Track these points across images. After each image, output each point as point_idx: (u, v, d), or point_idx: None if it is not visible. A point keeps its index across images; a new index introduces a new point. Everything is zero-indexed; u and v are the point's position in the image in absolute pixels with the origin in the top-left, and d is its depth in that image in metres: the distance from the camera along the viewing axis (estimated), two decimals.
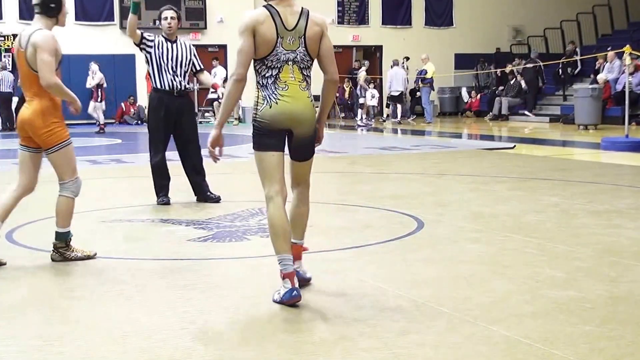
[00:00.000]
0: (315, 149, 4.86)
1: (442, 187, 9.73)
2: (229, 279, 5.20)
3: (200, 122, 20.50)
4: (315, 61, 4.83)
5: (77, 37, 24.82)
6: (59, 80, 5.69)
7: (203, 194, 8.41)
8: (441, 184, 10.05)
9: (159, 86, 8.26)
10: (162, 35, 8.30)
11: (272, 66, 4.59)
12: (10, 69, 23.52)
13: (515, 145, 15.00)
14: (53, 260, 5.82)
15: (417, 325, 4.11)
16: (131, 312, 4.47)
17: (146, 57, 8.30)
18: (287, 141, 4.71)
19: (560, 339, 3.83)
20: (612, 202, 8.04)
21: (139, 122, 25.11)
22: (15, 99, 23.25)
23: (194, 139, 8.43)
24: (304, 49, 4.65)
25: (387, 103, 25.10)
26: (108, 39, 25.13)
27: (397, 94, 24.01)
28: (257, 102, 4.62)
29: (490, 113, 24.59)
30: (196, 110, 22.57)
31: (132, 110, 25.48)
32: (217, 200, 8.35)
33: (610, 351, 3.68)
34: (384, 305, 4.52)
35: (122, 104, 25.32)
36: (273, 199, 4.59)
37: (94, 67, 21.58)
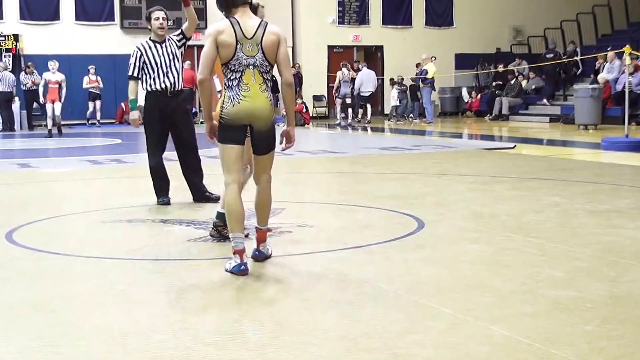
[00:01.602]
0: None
1: (442, 187, 9.73)
2: (229, 279, 5.20)
3: (202, 122, 20.53)
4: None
5: (78, 37, 24.85)
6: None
7: (201, 194, 8.41)
8: (441, 184, 10.05)
9: (152, 88, 8.25)
10: (150, 39, 8.26)
11: (235, 70, 5.29)
12: (11, 69, 23.49)
13: (515, 145, 15.00)
14: (211, 236, 6.32)
15: (417, 325, 4.11)
16: (131, 312, 4.47)
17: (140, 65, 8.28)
18: (250, 136, 5.40)
19: (561, 339, 3.83)
20: (612, 202, 8.04)
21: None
22: (16, 99, 23.27)
23: (190, 140, 8.44)
24: (262, 54, 5.32)
25: (360, 104, 25.35)
26: (108, 39, 25.13)
27: (367, 94, 24.67)
28: (224, 101, 5.34)
29: (488, 115, 24.61)
30: (198, 110, 22.58)
31: None
32: (216, 199, 8.35)
33: (611, 351, 3.68)
34: (384, 305, 4.51)
35: (122, 104, 25.29)
36: (229, 185, 5.35)
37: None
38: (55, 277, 5.41)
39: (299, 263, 5.72)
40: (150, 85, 8.26)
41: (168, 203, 8.25)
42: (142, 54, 8.23)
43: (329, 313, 4.37)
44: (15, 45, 24.25)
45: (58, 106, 20.12)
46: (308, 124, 23.94)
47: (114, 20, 25.37)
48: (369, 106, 24.99)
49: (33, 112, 23.25)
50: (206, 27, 25.49)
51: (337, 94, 24.56)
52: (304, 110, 24.25)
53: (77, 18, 25.13)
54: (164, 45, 8.27)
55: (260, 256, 5.61)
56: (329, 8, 27.26)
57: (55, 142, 18.17)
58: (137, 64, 8.24)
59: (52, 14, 24.93)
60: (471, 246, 6.05)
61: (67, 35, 24.84)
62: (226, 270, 5.28)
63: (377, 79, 26.93)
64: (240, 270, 5.20)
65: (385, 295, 4.73)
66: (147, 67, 8.22)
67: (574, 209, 7.69)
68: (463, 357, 3.65)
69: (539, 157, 13.12)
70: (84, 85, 24.22)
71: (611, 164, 12.06)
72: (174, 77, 8.25)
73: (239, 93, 5.28)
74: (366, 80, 24.46)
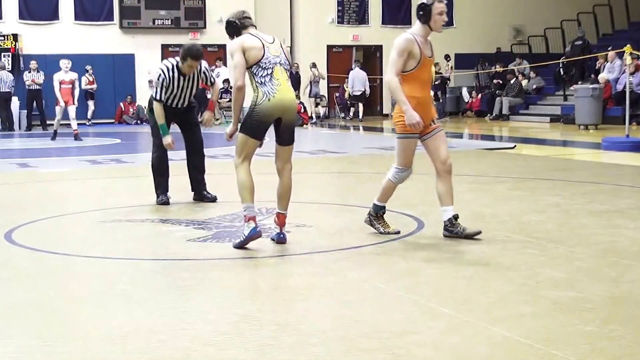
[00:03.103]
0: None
1: None
2: (229, 279, 5.19)
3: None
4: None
5: (77, 36, 24.83)
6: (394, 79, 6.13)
7: (199, 192, 8.42)
8: None
9: (163, 101, 8.23)
10: (178, 66, 8.18)
11: (266, 67, 5.99)
12: (10, 69, 23.47)
13: (515, 145, 14.99)
14: (365, 222, 6.56)
15: (417, 326, 4.10)
16: (130, 312, 4.46)
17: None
18: (275, 130, 6.13)
19: (561, 340, 3.82)
20: (612, 202, 8.03)
21: (138, 121, 25.10)
22: (15, 99, 23.25)
23: (198, 139, 8.47)
24: (284, 55, 6.13)
25: (351, 102, 25.86)
26: (107, 38, 25.12)
27: (359, 93, 25.44)
28: (258, 97, 5.94)
29: (489, 115, 24.60)
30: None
31: (131, 110, 25.45)
32: (213, 199, 8.36)
33: (611, 351, 3.67)
34: (383, 305, 4.51)
35: (121, 104, 25.29)
36: (242, 164, 6.04)
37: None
38: (55, 277, 5.40)
39: (298, 263, 5.72)
40: (162, 99, 8.22)
41: (167, 203, 8.25)
42: (165, 79, 8.14)
43: (328, 313, 4.36)
44: (15, 45, 24.23)
45: (72, 109, 18.07)
46: (306, 124, 23.92)
47: (113, 20, 25.35)
48: (360, 105, 25.54)
49: (33, 112, 23.15)
50: (205, 27, 25.60)
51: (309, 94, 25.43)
52: (303, 110, 24.24)
53: (76, 18, 25.11)
54: (187, 77, 8.25)
55: (284, 239, 6.14)
56: (328, 8, 27.24)
57: (54, 142, 18.15)
58: (163, 89, 8.17)
59: (51, 14, 24.91)
60: (471, 246, 6.04)
61: (66, 35, 24.82)
62: (238, 245, 5.95)
63: (377, 78, 26.99)
64: (256, 232, 5.89)
65: (385, 295, 4.73)
66: (163, 86, 8.16)
67: (574, 209, 7.68)
68: (463, 358, 3.64)
69: (540, 157, 13.11)
70: (83, 86, 24.23)
71: (612, 164, 12.05)
72: (187, 99, 8.35)
73: (272, 88, 5.93)
74: (357, 80, 25.20)
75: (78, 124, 18.62)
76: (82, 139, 18.27)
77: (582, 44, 23.71)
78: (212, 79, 8.46)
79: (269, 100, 5.91)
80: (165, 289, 4.96)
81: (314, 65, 25.61)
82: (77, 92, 18.66)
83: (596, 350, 3.68)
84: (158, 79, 8.15)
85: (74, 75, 18.35)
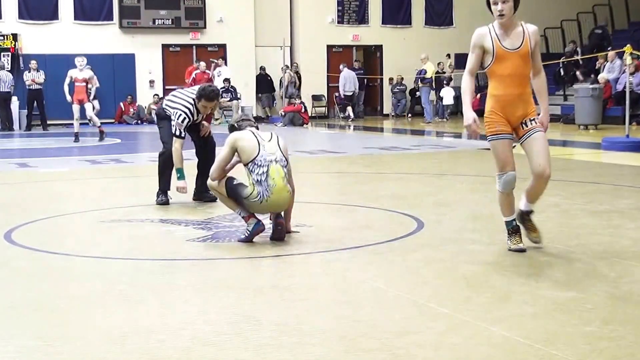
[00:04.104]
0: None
1: (442, 187, 9.72)
2: (228, 280, 5.19)
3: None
4: None
5: (76, 36, 24.82)
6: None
7: (200, 192, 8.41)
8: (441, 184, 10.04)
9: (184, 137, 8.29)
10: (197, 109, 8.17)
11: (261, 164, 6.16)
12: (9, 69, 23.46)
13: (515, 146, 14.94)
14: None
15: (417, 326, 4.10)
16: (130, 312, 4.46)
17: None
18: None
19: (561, 340, 3.82)
20: (612, 202, 8.03)
21: (138, 121, 25.09)
22: (14, 99, 23.23)
23: (210, 146, 8.51)
24: (280, 153, 6.27)
25: (345, 103, 26.28)
26: (107, 38, 25.11)
27: (350, 93, 25.92)
28: (252, 193, 6.13)
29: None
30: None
31: (131, 110, 25.43)
32: (212, 199, 8.35)
33: (611, 352, 3.67)
34: (383, 305, 4.51)
35: (121, 104, 25.28)
36: (219, 185, 6.37)
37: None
38: (54, 276, 5.40)
39: (298, 263, 5.72)
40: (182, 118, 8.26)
41: (167, 203, 8.25)
42: (187, 120, 8.16)
43: (328, 313, 4.36)
44: (14, 45, 24.23)
45: (88, 107, 17.68)
46: (307, 124, 23.93)
47: (112, 19, 25.33)
48: (349, 106, 26.00)
49: (33, 112, 23.10)
50: (205, 26, 25.60)
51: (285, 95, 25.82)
52: (303, 110, 24.25)
53: (76, 17, 25.09)
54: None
55: (282, 232, 6.33)
56: (328, 7, 27.23)
57: (53, 141, 18.14)
58: (183, 126, 8.15)
59: (51, 14, 24.91)
60: (471, 246, 6.04)
61: (66, 35, 24.82)
62: (244, 240, 6.16)
63: (378, 78, 27.06)
64: (260, 226, 6.17)
65: (385, 295, 4.73)
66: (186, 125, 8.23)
67: (574, 209, 7.68)
68: (462, 358, 3.64)
69: None
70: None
71: (612, 164, 12.05)
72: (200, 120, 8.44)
73: (268, 189, 6.11)
74: (348, 81, 25.62)
75: (71, 124, 18.33)
76: (104, 137, 17.92)
77: (602, 33, 23.78)
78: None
79: (260, 202, 6.12)
80: (165, 289, 4.95)
81: (287, 67, 25.87)
82: (93, 90, 18.15)
83: (596, 351, 3.68)
84: (178, 118, 8.11)
85: (88, 74, 17.74)
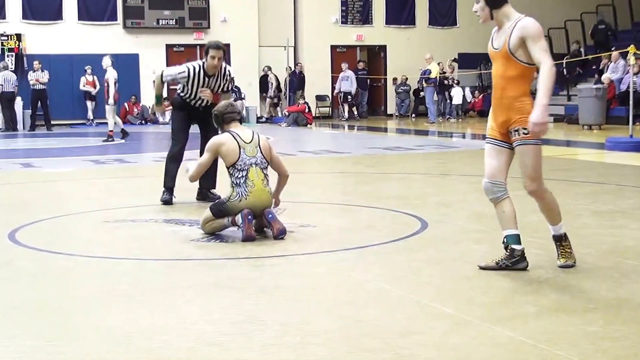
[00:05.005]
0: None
1: (445, 187, 9.72)
2: (232, 280, 5.19)
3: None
4: None
5: (80, 36, 24.86)
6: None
7: (204, 192, 8.41)
8: (445, 184, 10.04)
9: (185, 99, 8.40)
10: (204, 68, 8.25)
11: (241, 169, 6.41)
12: (13, 69, 23.48)
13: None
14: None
15: (420, 326, 4.10)
16: (133, 312, 4.46)
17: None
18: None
19: (564, 340, 3.82)
20: (616, 202, 8.02)
21: (143, 122, 25.11)
22: (18, 99, 23.26)
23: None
24: (260, 154, 6.51)
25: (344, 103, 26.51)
26: (111, 38, 25.13)
27: (347, 92, 26.24)
28: (231, 195, 6.41)
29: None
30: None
31: (135, 110, 25.45)
32: (216, 199, 8.35)
33: (614, 352, 3.66)
34: (387, 305, 4.51)
35: (125, 104, 25.29)
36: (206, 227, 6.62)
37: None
38: (58, 277, 5.41)
39: (301, 263, 5.72)
40: (185, 97, 8.40)
41: (169, 202, 8.25)
42: (188, 79, 8.27)
43: (331, 313, 4.36)
44: (18, 45, 24.26)
45: (108, 108, 17.92)
46: (310, 124, 23.94)
47: (116, 20, 25.37)
48: (346, 105, 26.22)
49: (37, 112, 23.12)
50: (209, 27, 25.61)
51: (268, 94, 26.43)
52: (307, 110, 24.26)
53: (80, 18, 25.13)
54: (212, 78, 8.30)
55: (282, 228, 6.39)
56: (332, 8, 27.24)
57: (57, 141, 18.16)
58: (176, 77, 8.34)
59: (55, 14, 24.94)
60: (475, 246, 6.03)
61: (70, 35, 24.86)
62: (245, 236, 6.21)
63: (382, 78, 27.10)
64: (244, 213, 6.25)
65: (388, 295, 4.73)
66: (187, 85, 8.30)
67: (577, 209, 7.67)
68: (466, 358, 3.64)
69: (543, 157, 13.05)
70: (81, 87, 24.32)
71: (615, 164, 12.03)
72: (208, 101, 8.40)
73: (246, 190, 6.37)
74: (344, 80, 25.90)
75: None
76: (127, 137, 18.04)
77: (606, 28, 23.77)
78: (229, 86, 8.49)
79: (240, 201, 6.35)
80: (169, 289, 4.96)
81: (269, 68, 26.14)
82: (112, 91, 17.90)
83: (599, 351, 3.67)
84: (178, 68, 8.41)
85: (111, 73, 17.65)
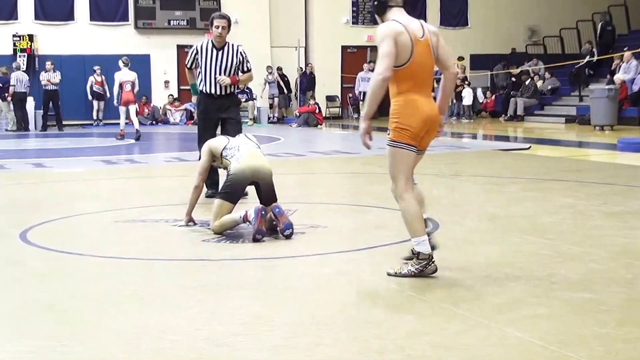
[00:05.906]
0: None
1: (456, 188, 9.70)
2: (243, 280, 5.19)
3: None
4: None
5: (91, 37, 24.93)
6: None
7: (215, 190, 8.42)
8: (456, 185, 10.02)
9: (201, 88, 8.53)
10: (212, 41, 8.34)
11: (231, 147, 6.68)
12: (25, 69, 23.56)
13: (530, 146, 14.93)
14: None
15: (430, 327, 4.09)
16: (144, 312, 4.46)
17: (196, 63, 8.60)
18: (257, 194, 6.68)
19: (575, 341, 3.80)
20: (627, 203, 7.99)
21: (153, 122, 25.15)
22: (30, 99, 23.34)
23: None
24: (254, 143, 6.80)
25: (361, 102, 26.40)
26: (122, 39, 25.18)
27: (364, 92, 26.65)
28: (230, 167, 6.57)
29: (503, 115, 24.54)
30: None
31: (146, 110, 25.48)
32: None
33: (626, 353, 3.65)
34: (397, 306, 4.50)
35: (136, 105, 25.32)
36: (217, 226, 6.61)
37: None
38: (69, 277, 5.42)
39: (311, 264, 5.71)
40: (202, 87, 8.53)
41: (213, 196, 8.21)
42: (197, 53, 8.50)
43: (341, 314, 4.35)
44: (30, 46, 24.35)
45: (132, 109, 17.97)
46: (321, 124, 23.94)
47: (128, 20, 25.43)
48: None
49: (49, 112, 23.17)
50: None
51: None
52: (317, 111, 24.27)
53: (92, 18, 25.20)
54: (221, 52, 8.34)
55: (288, 223, 6.41)
56: (343, 8, 27.23)
57: (68, 141, 18.20)
58: (191, 58, 8.58)
59: (67, 14, 25.02)
60: (485, 247, 6.02)
61: (82, 36, 24.93)
62: (255, 231, 6.19)
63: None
64: (256, 210, 6.24)
65: (398, 296, 4.71)
66: (200, 68, 8.41)
67: (589, 210, 7.64)
68: (476, 359, 3.63)
69: (554, 158, 13.05)
70: (87, 86, 24.39)
71: (627, 165, 11.98)
72: (225, 87, 8.45)
73: (240, 155, 6.62)
74: (363, 82, 25.80)
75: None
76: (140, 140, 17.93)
77: (612, 29, 23.72)
78: (248, 66, 8.52)
79: (242, 169, 6.52)
80: (179, 290, 4.96)
81: (271, 67, 26.11)
82: (135, 91, 18.03)
83: (611, 353, 3.66)
84: (192, 53, 8.58)
85: (132, 76, 17.73)
